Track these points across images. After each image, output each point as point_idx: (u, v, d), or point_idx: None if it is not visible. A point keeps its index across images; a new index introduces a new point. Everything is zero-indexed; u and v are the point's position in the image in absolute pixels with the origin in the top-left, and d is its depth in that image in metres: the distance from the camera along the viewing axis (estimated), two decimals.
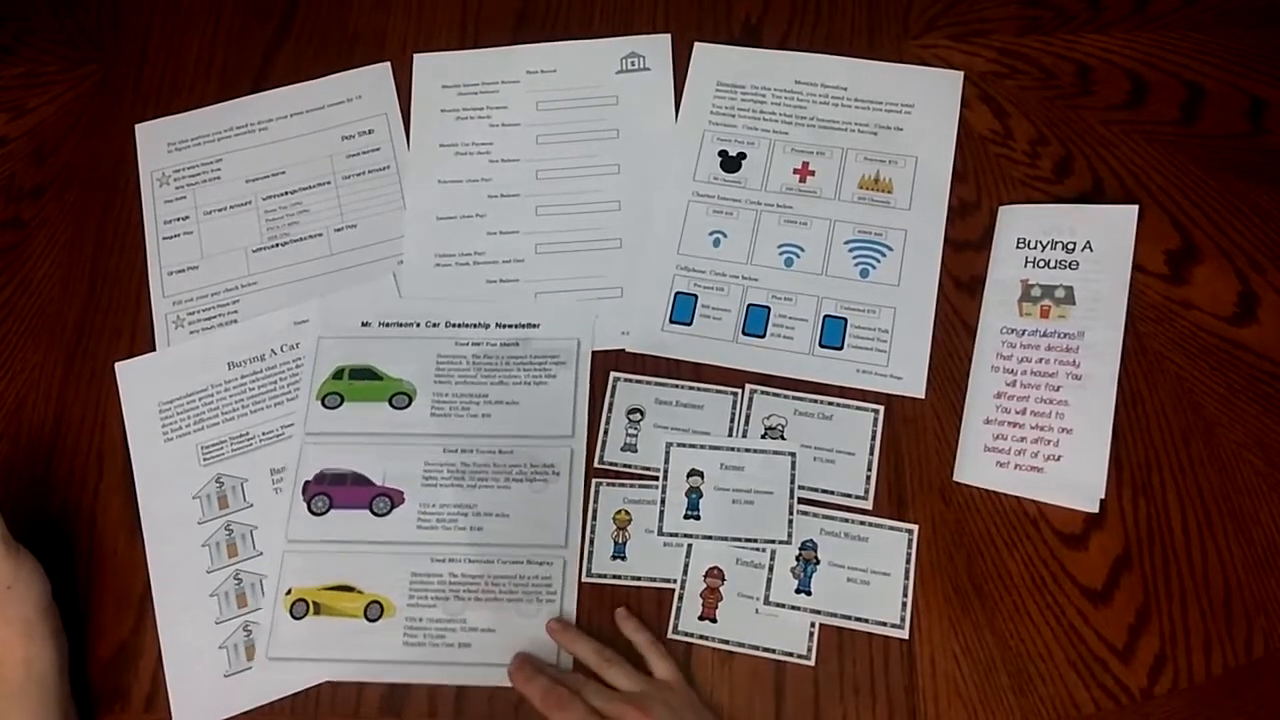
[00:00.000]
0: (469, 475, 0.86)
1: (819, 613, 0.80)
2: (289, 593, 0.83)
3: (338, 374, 0.90)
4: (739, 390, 0.87)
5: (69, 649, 0.79)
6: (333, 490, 0.86)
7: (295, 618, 0.82)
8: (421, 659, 0.81)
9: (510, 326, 0.90)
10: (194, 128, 1.00)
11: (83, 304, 0.94)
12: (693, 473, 0.84)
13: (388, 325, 0.91)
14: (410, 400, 0.88)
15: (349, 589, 0.83)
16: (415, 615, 0.82)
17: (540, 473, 0.85)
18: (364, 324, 0.91)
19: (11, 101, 1.02)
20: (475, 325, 0.91)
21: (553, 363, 0.88)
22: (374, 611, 0.82)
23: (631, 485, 0.85)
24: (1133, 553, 0.80)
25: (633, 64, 0.99)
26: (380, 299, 0.92)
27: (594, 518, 0.84)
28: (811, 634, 0.80)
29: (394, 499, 0.85)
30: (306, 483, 0.86)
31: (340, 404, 0.89)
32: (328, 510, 0.85)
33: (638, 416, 0.87)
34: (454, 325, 0.91)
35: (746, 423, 0.86)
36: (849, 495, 0.83)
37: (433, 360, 0.90)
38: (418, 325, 0.91)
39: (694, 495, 0.83)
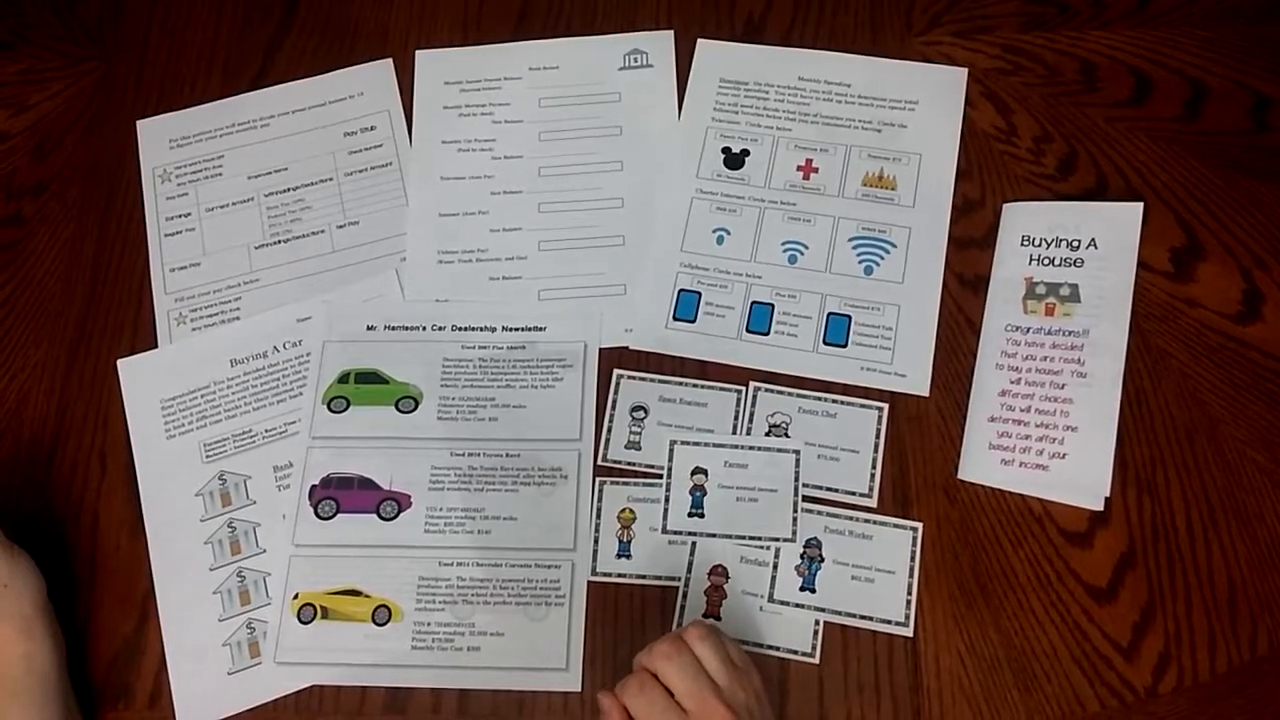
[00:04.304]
0: (476, 479, 0.85)
1: (823, 611, 0.80)
2: (296, 597, 0.83)
3: (343, 378, 0.89)
4: (743, 388, 0.87)
5: (68, 645, 0.79)
6: (339, 495, 0.86)
7: (303, 622, 0.82)
8: (430, 663, 0.81)
9: (516, 329, 0.90)
10: (196, 124, 1.00)
11: (84, 301, 0.94)
12: (697, 470, 0.84)
13: (393, 329, 0.91)
14: (416, 404, 0.88)
15: (356, 593, 0.83)
16: (423, 619, 0.82)
17: (548, 476, 0.85)
18: (369, 327, 0.91)
19: (12, 98, 1.02)
20: (481, 328, 0.90)
21: (559, 365, 0.88)
22: (382, 616, 0.82)
23: (635, 483, 0.85)
24: (1137, 551, 0.80)
25: (635, 60, 0.98)
26: (384, 298, 0.92)
27: (598, 516, 0.84)
28: (816, 632, 0.80)
29: (401, 503, 0.85)
30: (313, 487, 0.86)
31: (346, 408, 0.88)
32: (334, 515, 0.85)
33: (641, 414, 0.87)
34: (460, 328, 0.91)
35: (750, 420, 0.86)
36: (853, 493, 0.83)
37: (439, 364, 0.89)
38: (423, 329, 0.91)
39: (698, 493, 0.83)
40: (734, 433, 0.85)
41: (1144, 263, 0.86)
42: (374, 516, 0.85)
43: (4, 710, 0.75)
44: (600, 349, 0.89)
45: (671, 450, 0.85)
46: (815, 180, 0.93)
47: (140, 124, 1.00)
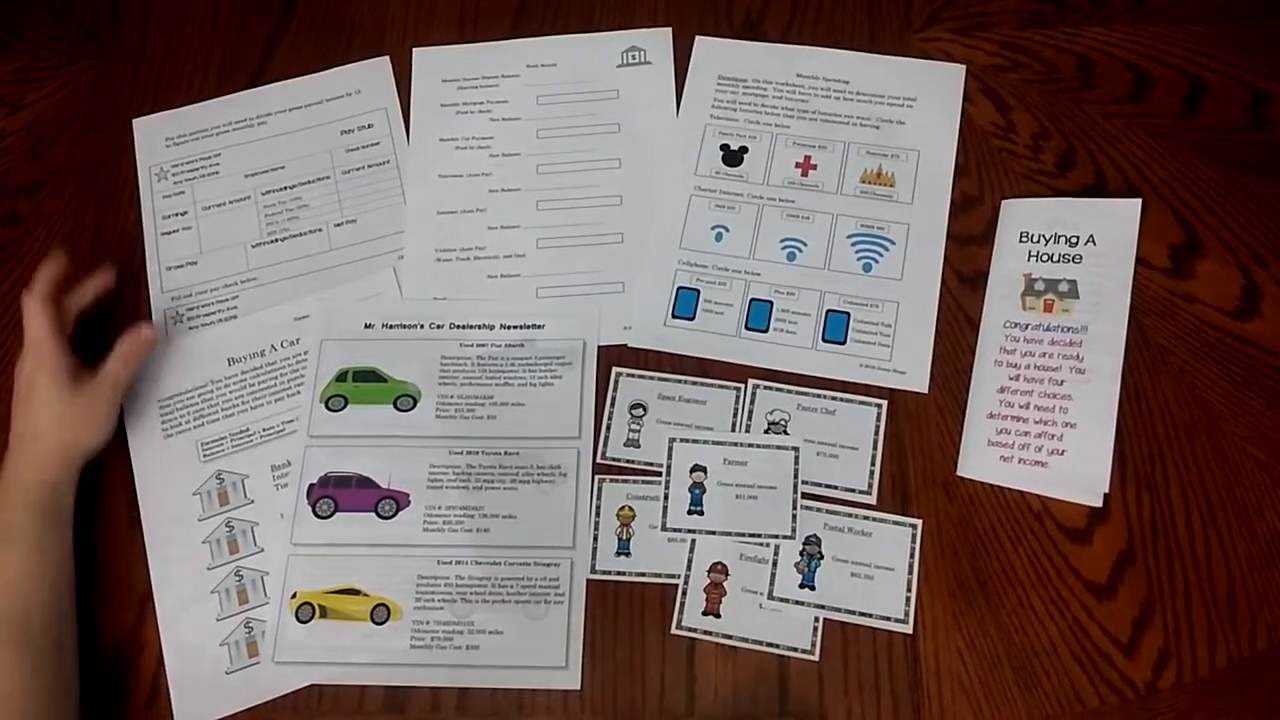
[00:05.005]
0: (475, 477, 0.85)
1: (823, 608, 0.80)
2: (294, 596, 0.83)
3: (341, 376, 0.89)
4: (742, 385, 0.87)
5: None
6: (338, 493, 0.85)
7: (301, 621, 0.82)
8: (429, 661, 0.81)
9: (515, 327, 0.90)
10: (192, 122, 1.00)
11: None
12: (696, 468, 0.84)
13: (391, 327, 0.91)
14: (415, 402, 0.88)
15: (355, 592, 0.83)
16: (422, 618, 0.82)
17: (547, 474, 0.85)
18: (367, 325, 0.91)
19: (8, 96, 1.02)
20: (480, 326, 0.90)
21: (558, 363, 0.88)
22: (380, 614, 0.82)
23: (635, 481, 0.85)
24: (1136, 547, 0.80)
25: (634, 58, 0.98)
26: (381, 296, 0.92)
27: (597, 514, 0.84)
28: (815, 629, 0.80)
29: (399, 501, 0.85)
30: (311, 486, 0.86)
31: (344, 407, 0.88)
32: (333, 514, 0.85)
33: (640, 412, 0.86)
34: (458, 326, 0.90)
35: (749, 418, 0.86)
36: (852, 490, 0.83)
37: (437, 362, 0.89)
38: (421, 327, 0.91)
39: (697, 491, 0.83)
40: (733, 430, 0.85)
41: (1142, 259, 0.86)
42: (372, 515, 0.85)
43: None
44: (599, 346, 0.89)
45: (671, 448, 0.85)
46: (814, 177, 0.93)
47: (136, 122, 1.00)
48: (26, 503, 0.79)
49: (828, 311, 0.88)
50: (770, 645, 0.79)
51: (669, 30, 0.99)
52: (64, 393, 0.82)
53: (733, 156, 0.94)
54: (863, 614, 0.79)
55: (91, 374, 0.84)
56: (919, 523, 0.82)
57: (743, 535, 0.82)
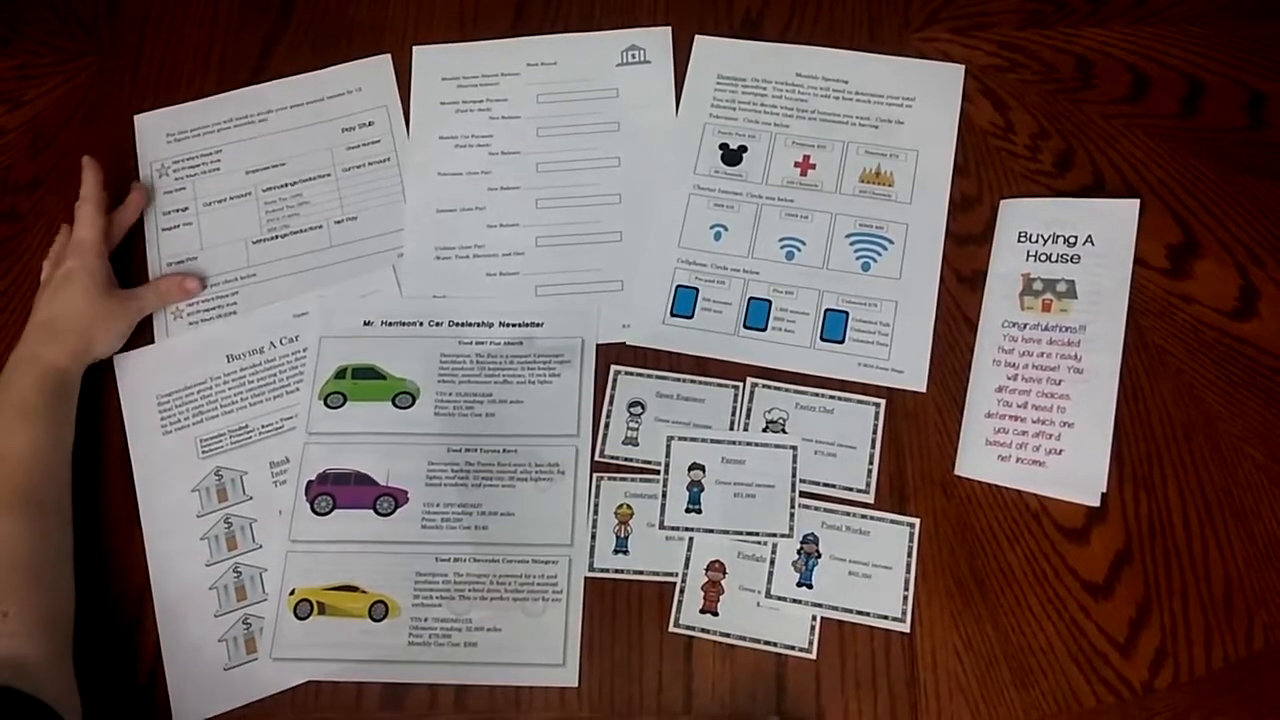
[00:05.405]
0: (473, 475, 0.85)
1: (820, 606, 0.80)
2: (293, 593, 0.83)
3: (340, 373, 0.89)
4: (740, 384, 0.87)
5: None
6: (336, 490, 0.86)
7: (299, 618, 0.82)
8: (427, 658, 0.81)
9: (514, 325, 0.90)
10: (193, 119, 1.00)
11: None
12: (694, 466, 0.84)
13: (390, 324, 0.91)
14: (414, 400, 0.88)
15: (353, 589, 0.83)
16: (420, 615, 0.82)
17: (545, 472, 0.85)
18: (366, 323, 0.91)
19: (8, 93, 1.02)
20: (479, 324, 0.90)
21: (557, 361, 0.88)
22: (379, 611, 0.82)
23: (633, 479, 0.85)
24: (1134, 547, 0.80)
25: (633, 57, 0.98)
26: (381, 293, 0.92)
27: (595, 512, 0.84)
28: (813, 627, 0.80)
29: (398, 499, 0.85)
30: (309, 482, 0.86)
31: (343, 404, 0.88)
32: (331, 510, 0.85)
33: (639, 410, 0.87)
34: (457, 324, 0.91)
35: (748, 416, 0.86)
36: (850, 489, 0.83)
37: (436, 359, 0.89)
38: (420, 324, 0.91)
39: (695, 489, 0.84)
40: (731, 429, 0.85)
41: (1140, 259, 0.86)
42: (371, 512, 0.85)
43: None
44: (598, 345, 0.89)
45: (669, 446, 0.85)
46: (813, 176, 0.93)
47: (137, 118, 1.00)
48: (38, 381, 0.84)
49: (826, 310, 0.88)
50: (768, 643, 0.80)
51: (668, 29, 0.99)
52: (95, 296, 0.87)
53: (732, 155, 0.94)
54: (860, 612, 0.80)
55: (123, 292, 0.90)
56: (917, 522, 0.82)
57: (740, 534, 0.82)
